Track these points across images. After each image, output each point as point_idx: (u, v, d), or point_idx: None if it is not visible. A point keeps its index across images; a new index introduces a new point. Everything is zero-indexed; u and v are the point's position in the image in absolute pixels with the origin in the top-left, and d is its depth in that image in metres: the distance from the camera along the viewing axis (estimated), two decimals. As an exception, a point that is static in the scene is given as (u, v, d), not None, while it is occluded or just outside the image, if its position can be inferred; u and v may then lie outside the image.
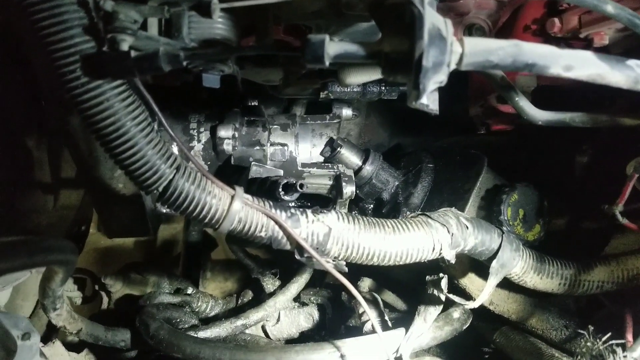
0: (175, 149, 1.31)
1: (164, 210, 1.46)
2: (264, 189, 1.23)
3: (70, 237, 1.84)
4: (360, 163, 1.47)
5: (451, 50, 0.64)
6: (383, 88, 1.45)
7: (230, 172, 1.41)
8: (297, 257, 1.00)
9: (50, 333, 1.55)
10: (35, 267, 1.03)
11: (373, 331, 1.27)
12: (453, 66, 0.66)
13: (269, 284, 1.64)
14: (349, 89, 1.43)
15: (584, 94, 1.25)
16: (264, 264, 1.72)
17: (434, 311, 1.27)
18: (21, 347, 1.10)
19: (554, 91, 1.29)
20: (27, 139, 1.57)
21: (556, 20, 1.15)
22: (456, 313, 1.36)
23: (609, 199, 1.16)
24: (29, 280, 1.50)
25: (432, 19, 0.62)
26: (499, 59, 0.67)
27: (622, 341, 1.10)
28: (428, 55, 0.62)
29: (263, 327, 1.56)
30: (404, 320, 1.31)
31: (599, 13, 0.99)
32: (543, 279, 1.21)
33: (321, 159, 1.48)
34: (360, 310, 1.40)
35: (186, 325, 1.48)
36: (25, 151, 1.57)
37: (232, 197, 0.92)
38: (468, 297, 1.33)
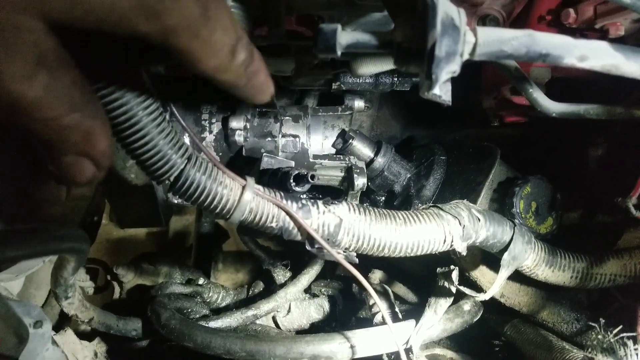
0: (187, 140, 1.32)
1: (176, 201, 1.47)
2: (275, 180, 1.23)
3: (83, 228, 1.85)
4: (372, 155, 1.46)
5: (464, 40, 0.64)
6: (395, 79, 1.44)
7: (242, 163, 1.41)
8: (308, 248, 1.00)
9: (62, 322, 1.57)
10: (48, 254, 1.04)
11: (383, 322, 1.27)
12: (466, 56, 0.66)
13: (280, 275, 1.65)
14: (361, 80, 1.43)
15: (599, 86, 1.24)
16: (275, 256, 1.72)
17: (444, 303, 1.26)
18: (33, 334, 1.11)
19: (568, 83, 1.28)
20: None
21: (571, 10, 1.14)
22: (467, 305, 1.36)
23: (623, 192, 1.15)
24: (41, 270, 1.51)
25: (445, 8, 0.62)
26: (512, 49, 0.66)
27: (634, 334, 1.09)
28: (441, 44, 0.62)
29: (274, 318, 1.56)
30: (415, 312, 1.31)
31: (614, 3, 0.98)
32: (555, 272, 1.20)
33: (333, 150, 1.48)
34: (371, 302, 1.40)
35: (197, 315, 1.49)
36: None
37: (243, 187, 0.92)
38: (479, 289, 1.33)
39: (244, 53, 0.62)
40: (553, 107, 1.18)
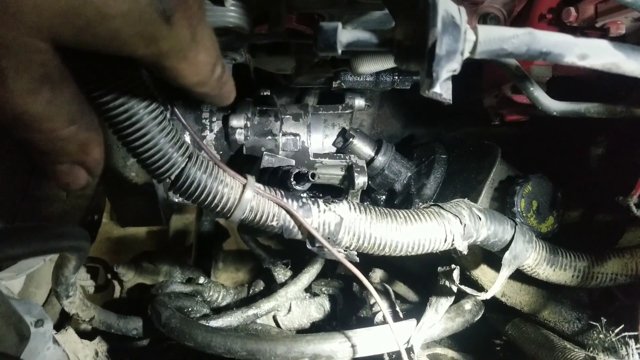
0: (187, 139, 1.31)
1: (176, 200, 1.47)
2: (276, 179, 1.22)
3: (84, 226, 1.85)
4: (372, 154, 1.46)
5: (465, 38, 0.64)
6: (396, 77, 1.44)
7: (242, 161, 1.41)
8: (309, 246, 1.00)
9: (63, 321, 1.56)
10: (49, 253, 1.04)
11: (384, 322, 1.27)
12: (467, 54, 0.65)
13: (281, 274, 1.65)
14: (361, 79, 1.43)
15: (600, 84, 1.24)
16: (275, 255, 1.72)
17: (445, 302, 1.26)
18: (34, 333, 1.11)
19: (569, 82, 1.28)
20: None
21: (572, 9, 1.14)
22: (468, 304, 1.35)
23: (624, 190, 1.15)
24: (42, 269, 1.51)
25: (446, 6, 0.62)
26: (513, 47, 0.66)
27: (635, 333, 1.09)
28: (441, 43, 0.61)
29: (274, 317, 1.56)
30: (416, 311, 1.31)
31: (615, 2, 0.98)
32: (556, 271, 1.20)
33: (333, 149, 1.48)
34: (372, 301, 1.40)
35: (198, 315, 1.49)
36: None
37: (244, 186, 0.92)
38: (480, 288, 1.33)
39: (220, 68, 0.67)
40: (554, 105, 1.18)
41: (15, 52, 0.50)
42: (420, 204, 1.44)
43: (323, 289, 1.63)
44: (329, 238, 0.99)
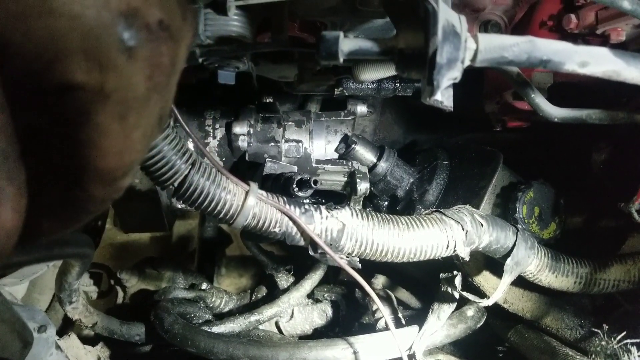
0: (190, 145, 1.32)
1: (179, 206, 1.47)
2: (278, 185, 1.23)
3: (87, 232, 1.86)
4: (374, 160, 1.46)
5: (465, 46, 0.64)
6: (398, 84, 1.44)
7: (245, 168, 1.42)
8: (311, 253, 1.00)
9: (66, 326, 1.57)
10: (53, 260, 1.05)
11: (386, 328, 1.27)
12: (467, 62, 0.66)
13: (283, 280, 1.65)
14: (363, 86, 1.43)
15: (601, 90, 1.24)
16: (278, 260, 1.72)
17: (447, 309, 1.26)
18: (37, 339, 1.11)
19: (570, 88, 1.28)
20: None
21: (572, 16, 1.14)
22: (470, 311, 1.35)
23: (626, 197, 1.15)
24: (45, 275, 1.52)
25: (447, 15, 0.62)
26: (513, 56, 0.66)
27: (637, 340, 1.09)
28: (442, 51, 0.62)
29: (277, 323, 1.56)
30: (418, 317, 1.31)
31: (615, 9, 0.98)
32: (558, 277, 1.20)
33: (336, 155, 1.48)
34: (374, 307, 1.40)
35: (200, 320, 1.49)
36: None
37: (247, 192, 0.92)
38: (482, 295, 1.33)
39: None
40: (555, 112, 1.18)
41: None
42: (423, 210, 1.44)
43: (325, 295, 1.63)
44: (331, 244, 0.99)
